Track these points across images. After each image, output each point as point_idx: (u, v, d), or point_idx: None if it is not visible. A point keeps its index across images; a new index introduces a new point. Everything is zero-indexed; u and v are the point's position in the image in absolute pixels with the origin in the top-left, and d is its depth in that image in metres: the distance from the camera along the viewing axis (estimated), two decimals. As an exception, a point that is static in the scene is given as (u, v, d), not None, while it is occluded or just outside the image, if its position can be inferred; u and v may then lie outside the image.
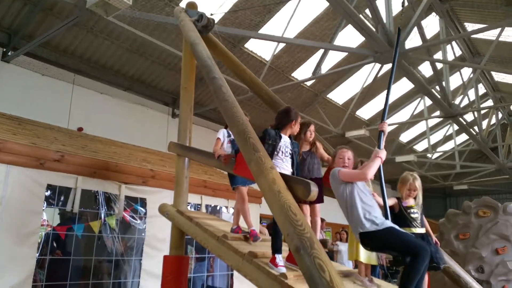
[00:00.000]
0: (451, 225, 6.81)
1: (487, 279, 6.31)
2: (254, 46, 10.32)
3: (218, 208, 6.60)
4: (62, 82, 8.58)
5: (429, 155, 17.94)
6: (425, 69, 13.33)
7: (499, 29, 10.13)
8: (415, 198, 3.31)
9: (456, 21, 11.58)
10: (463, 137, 18.69)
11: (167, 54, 9.34)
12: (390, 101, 14.33)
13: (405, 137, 17.62)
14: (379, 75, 11.62)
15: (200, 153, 4.01)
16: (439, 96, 10.38)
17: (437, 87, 10.56)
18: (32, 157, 4.36)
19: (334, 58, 11.23)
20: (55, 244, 4.91)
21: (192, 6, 4.89)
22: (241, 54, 9.92)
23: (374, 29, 7.16)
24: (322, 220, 4.96)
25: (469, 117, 15.68)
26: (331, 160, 3.32)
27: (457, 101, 11.65)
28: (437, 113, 13.03)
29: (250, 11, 9.11)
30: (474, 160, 19.42)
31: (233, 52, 8.04)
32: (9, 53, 7.78)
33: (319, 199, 3.39)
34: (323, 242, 6.71)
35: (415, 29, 8.13)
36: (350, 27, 7.41)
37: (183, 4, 6.02)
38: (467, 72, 13.55)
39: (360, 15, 6.97)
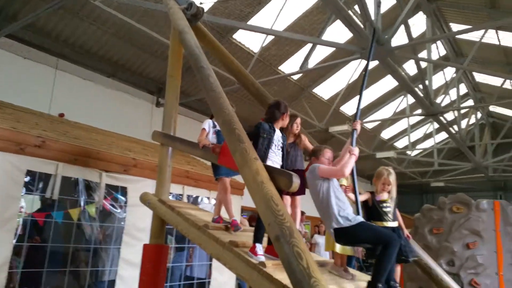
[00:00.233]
0: (426, 219, 7.02)
1: (457, 272, 6.55)
2: (242, 37, 10.29)
3: (199, 199, 6.62)
4: (45, 66, 8.40)
5: (408, 152, 18.29)
6: (410, 67, 13.55)
7: (483, 30, 10.37)
8: (389, 192, 3.40)
9: (442, 21, 11.79)
10: (443, 135, 19.10)
11: (154, 42, 9.22)
12: (374, 98, 14.51)
13: (386, 133, 17.91)
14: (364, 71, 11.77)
15: (185, 142, 4.02)
16: (421, 95, 10.57)
17: (420, 86, 10.75)
18: (12, 142, 4.28)
19: (321, 53, 11.29)
20: (33, 231, 4.86)
21: (181, -7, 4.86)
22: (229, 45, 9.89)
23: (362, 26, 7.23)
24: (303, 213, 5.03)
25: (449, 116, 16.04)
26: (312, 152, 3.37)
27: (438, 100, 11.88)
28: (419, 111, 13.29)
29: (240, 1, 9.09)
30: (451, 158, 19.88)
31: (221, 43, 8.00)
32: (-10, 34, 7.60)
33: (301, 191, 3.45)
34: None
35: (402, 27, 8.23)
36: (338, 22, 7.45)
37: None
38: (450, 71, 13.82)
39: (349, 11, 7.02)
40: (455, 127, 14.82)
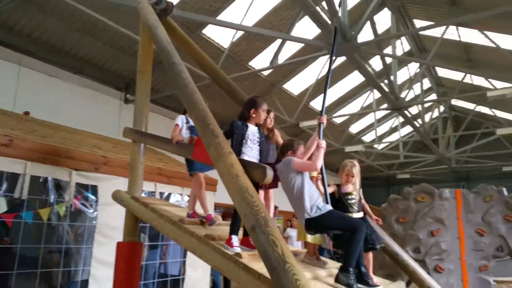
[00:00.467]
0: (392, 209, 7.28)
1: (423, 259, 6.85)
2: (212, 32, 10.26)
3: (170, 195, 6.60)
4: (8, 62, 8.09)
5: (375, 146, 18.80)
6: (375, 63, 13.91)
7: (445, 27, 10.80)
8: (354, 184, 3.54)
9: (406, 17, 12.17)
10: (408, 129, 19.72)
11: (122, 36, 9.05)
12: (342, 93, 14.78)
13: (354, 128, 18.32)
14: (333, 67, 11.98)
15: (158, 139, 4.02)
16: (387, 90, 10.91)
17: (386, 81, 11.09)
18: (-24, 141, 4.16)
19: (291, 48, 11.42)
20: (2, 232, 4.72)
21: (150, -12, 4.81)
22: (199, 40, 9.85)
23: (329, 22, 7.38)
24: (276, 207, 5.13)
25: (413, 110, 16.59)
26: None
27: (403, 95, 12.30)
28: (385, 105, 13.70)
29: (209, -4, 9.05)
30: (416, 151, 20.58)
31: (191, 38, 7.97)
32: None
33: (274, 184, 3.53)
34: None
35: (368, 23, 8.46)
36: (307, 18, 7.57)
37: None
38: (414, 67, 14.30)
39: (317, 7, 7.15)
40: (419, 120, 15.38)
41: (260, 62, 11.64)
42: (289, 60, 11.12)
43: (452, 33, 11.85)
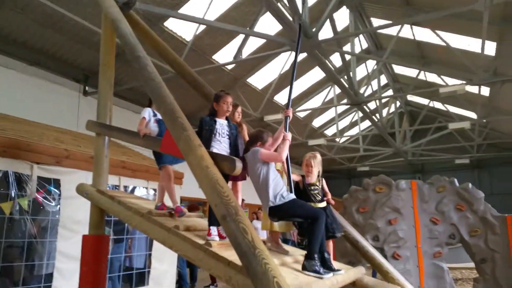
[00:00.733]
0: (353, 200, 7.57)
1: (381, 246, 7.20)
2: (174, 25, 10.17)
3: (135, 189, 6.55)
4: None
5: (337, 139, 19.33)
6: (335, 59, 14.28)
7: (400, 25, 11.26)
8: (318, 176, 3.71)
9: (364, 16, 12.58)
10: (367, 123, 20.41)
11: (80, 28, 8.81)
12: (304, 88, 15.09)
13: (317, 122, 18.75)
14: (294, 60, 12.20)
15: (124, 132, 4.00)
16: (346, 85, 11.27)
17: (345, 77, 11.44)
18: None
19: (254, 43, 11.52)
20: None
21: (113, -19, 4.74)
22: (161, 33, 9.74)
23: (291, 19, 7.53)
24: (242, 200, 5.22)
25: (372, 105, 17.21)
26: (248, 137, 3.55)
27: (362, 90, 12.74)
28: (345, 101, 14.12)
29: (170, -11, 8.96)
30: (375, 144, 21.36)
31: (153, 31, 7.88)
32: None
33: (242, 176, 3.62)
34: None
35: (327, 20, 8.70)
36: (270, 14, 7.68)
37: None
38: (371, 64, 14.81)
39: (278, 4, 7.27)
40: (378, 115, 15.97)
41: (224, 56, 11.67)
42: (253, 55, 11.23)
43: (407, 31, 12.38)
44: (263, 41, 11.50)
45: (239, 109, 3.91)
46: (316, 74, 14.66)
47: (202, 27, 10.03)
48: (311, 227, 3.08)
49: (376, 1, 11.79)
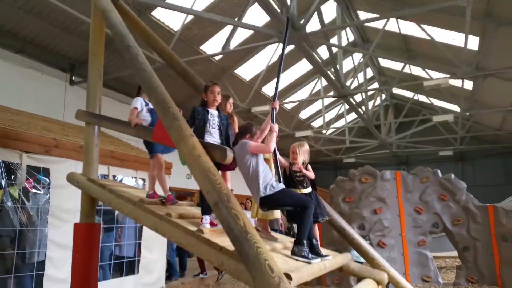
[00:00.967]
0: (339, 190, 7.75)
1: (367, 235, 7.40)
2: (161, 15, 10.10)
3: (123, 179, 6.59)
4: None
5: (323, 131, 19.51)
6: (322, 51, 14.37)
7: (386, 19, 11.39)
8: (304, 164, 3.80)
9: (351, 9, 12.67)
10: (353, 115, 20.62)
11: (66, 16, 8.69)
12: (291, 80, 15.13)
13: (304, 114, 18.88)
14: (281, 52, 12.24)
15: (115, 121, 4.02)
16: (333, 78, 11.39)
17: (332, 69, 11.56)
18: None
19: (242, 34, 11.51)
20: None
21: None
22: (148, 23, 9.63)
23: (279, 10, 7.58)
24: (231, 190, 5.27)
25: (358, 97, 17.40)
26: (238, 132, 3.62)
27: (348, 83, 12.88)
28: (332, 93, 14.26)
29: (159, -22, 8.88)
30: (361, 136, 21.63)
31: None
32: None
33: (232, 166, 3.70)
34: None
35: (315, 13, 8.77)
36: (258, 5, 7.71)
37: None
38: (358, 56, 14.95)
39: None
40: (363, 107, 16.17)
41: (212, 46, 11.65)
42: (240, 47, 11.23)
43: (393, 25, 12.52)
44: (251, 32, 11.49)
45: (231, 100, 3.96)
46: (303, 66, 14.73)
47: (190, 17, 9.99)
48: (300, 215, 3.19)
49: (363, -6, 11.90)
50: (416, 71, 15.50)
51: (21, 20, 8.56)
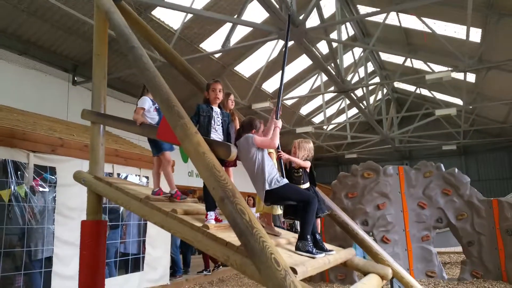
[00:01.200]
0: (342, 185, 7.77)
1: (371, 230, 7.41)
2: (161, 14, 10.14)
3: (127, 177, 6.64)
4: None
5: (324, 127, 19.52)
6: (322, 46, 14.36)
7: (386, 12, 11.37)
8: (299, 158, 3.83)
9: (350, 3, 12.65)
10: (354, 110, 20.62)
11: (68, 18, 8.78)
12: (291, 76, 15.07)
13: (304, 110, 18.90)
14: (283, 50, 12.25)
15: (120, 120, 4.08)
16: (334, 73, 11.40)
17: (332, 64, 11.56)
18: None
19: (242, 31, 11.53)
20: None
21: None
22: (149, 22, 9.69)
23: (278, 7, 7.60)
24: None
25: (359, 92, 17.39)
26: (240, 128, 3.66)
27: (349, 78, 12.89)
28: (332, 88, 14.27)
29: (158, -23, 8.90)
30: (362, 132, 21.61)
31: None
32: None
33: (233, 163, 3.75)
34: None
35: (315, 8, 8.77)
36: (257, 2, 7.73)
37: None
38: (358, 51, 14.93)
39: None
40: (364, 102, 16.16)
41: (211, 44, 11.68)
42: (240, 44, 11.25)
43: (393, 18, 12.49)
44: (250, 29, 11.52)
45: (232, 97, 4.02)
46: (303, 62, 14.74)
47: (190, 15, 10.02)
48: (304, 210, 3.23)
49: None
50: (418, 64, 15.47)
51: (24, 22, 8.64)
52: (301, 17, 8.27)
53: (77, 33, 9.49)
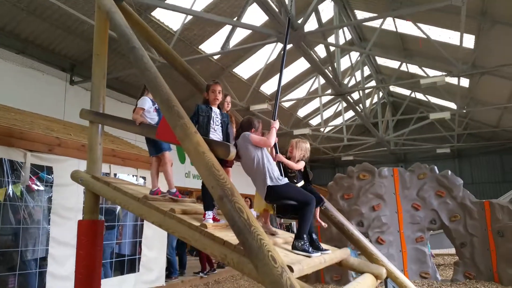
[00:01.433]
0: (338, 187, 7.83)
1: (366, 231, 7.48)
2: (161, 15, 10.18)
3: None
4: None
5: (321, 129, 19.62)
6: (320, 50, 14.46)
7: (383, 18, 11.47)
8: (294, 157, 3.88)
9: (348, 8, 12.76)
10: (350, 113, 20.74)
11: (67, 17, 8.79)
12: (289, 78, 15.17)
13: (302, 112, 18.98)
14: (281, 53, 12.32)
15: (119, 120, 4.11)
16: (331, 76, 11.49)
17: (330, 68, 11.65)
18: None
19: (241, 33, 11.59)
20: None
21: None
22: (148, 23, 9.68)
23: (278, 11, 7.66)
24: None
25: (355, 95, 17.51)
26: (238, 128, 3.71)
27: (346, 81, 12.99)
28: (329, 91, 14.36)
29: (158, -21, 8.96)
30: (359, 134, 21.76)
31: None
32: None
33: (231, 163, 3.79)
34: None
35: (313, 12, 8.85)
36: (256, 5, 7.79)
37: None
38: (355, 55, 15.04)
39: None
40: (361, 105, 16.27)
41: (211, 46, 11.73)
42: (239, 46, 11.31)
43: (390, 24, 12.63)
44: (249, 31, 11.57)
45: (228, 98, 4.04)
46: (301, 65, 14.82)
47: (190, 17, 10.06)
48: (302, 210, 3.28)
49: (360, -7, 11.98)
50: (413, 69, 15.61)
51: (23, 20, 8.64)
52: (299, 21, 8.36)
53: (75, 32, 9.50)
